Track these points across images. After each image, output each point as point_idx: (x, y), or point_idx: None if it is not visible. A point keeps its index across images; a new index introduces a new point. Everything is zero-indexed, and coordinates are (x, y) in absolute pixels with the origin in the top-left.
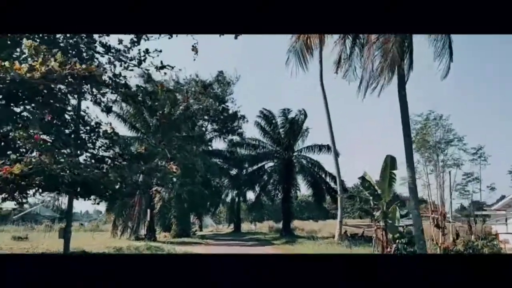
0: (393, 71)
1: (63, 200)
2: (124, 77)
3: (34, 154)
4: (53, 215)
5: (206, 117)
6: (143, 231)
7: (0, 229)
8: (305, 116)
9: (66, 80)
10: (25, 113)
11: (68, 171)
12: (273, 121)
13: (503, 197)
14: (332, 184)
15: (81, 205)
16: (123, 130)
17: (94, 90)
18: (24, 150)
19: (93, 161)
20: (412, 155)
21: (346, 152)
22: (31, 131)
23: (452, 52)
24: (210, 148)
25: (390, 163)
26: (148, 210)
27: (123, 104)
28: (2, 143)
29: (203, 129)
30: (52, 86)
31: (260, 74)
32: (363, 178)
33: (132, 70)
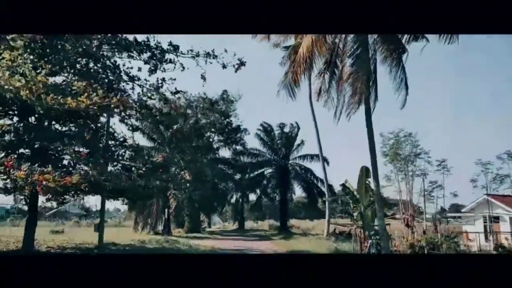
0: (360, 103)
1: (87, 200)
2: (145, 100)
3: (81, 166)
4: (80, 213)
5: (213, 130)
6: (160, 227)
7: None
8: (298, 128)
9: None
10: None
11: (109, 182)
12: (272, 133)
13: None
14: (323, 189)
15: (98, 203)
16: (142, 141)
17: (122, 113)
18: (68, 163)
19: (124, 171)
20: (377, 168)
21: (335, 161)
22: (76, 148)
23: (408, 87)
24: (218, 156)
25: (365, 172)
26: (166, 210)
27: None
28: (53, 157)
29: (211, 140)
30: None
31: (261, 92)
32: (343, 186)
33: (152, 95)
